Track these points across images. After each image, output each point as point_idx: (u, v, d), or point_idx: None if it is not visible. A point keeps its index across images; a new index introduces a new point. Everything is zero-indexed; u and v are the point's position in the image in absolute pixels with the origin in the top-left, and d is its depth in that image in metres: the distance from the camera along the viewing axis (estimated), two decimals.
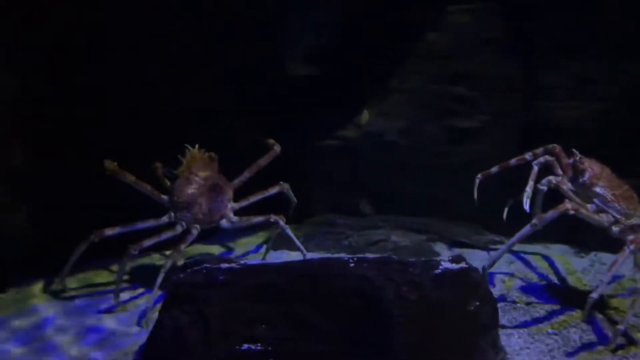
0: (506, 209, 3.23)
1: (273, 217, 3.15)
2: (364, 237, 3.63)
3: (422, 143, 3.74)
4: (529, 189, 2.87)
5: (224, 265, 2.41)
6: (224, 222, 3.18)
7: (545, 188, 2.85)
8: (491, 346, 2.24)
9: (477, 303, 2.21)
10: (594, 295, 2.48)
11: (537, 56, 3.67)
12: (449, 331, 2.12)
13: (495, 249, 3.45)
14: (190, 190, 3.05)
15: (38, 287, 3.05)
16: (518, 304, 2.81)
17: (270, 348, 2.22)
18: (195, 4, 3.40)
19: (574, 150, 2.94)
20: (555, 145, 3.03)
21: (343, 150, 3.83)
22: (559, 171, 2.94)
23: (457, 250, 3.56)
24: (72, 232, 2.91)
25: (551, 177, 2.85)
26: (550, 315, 2.72)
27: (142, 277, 3.15)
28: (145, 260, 3.32)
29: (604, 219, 2.75)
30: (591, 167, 2.87)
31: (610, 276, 2.53)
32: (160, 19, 3.29)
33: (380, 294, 2.10)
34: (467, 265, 2.32)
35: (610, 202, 2.77)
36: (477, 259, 3.26)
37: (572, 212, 2.66)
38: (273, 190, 3.36)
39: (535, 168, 2.92)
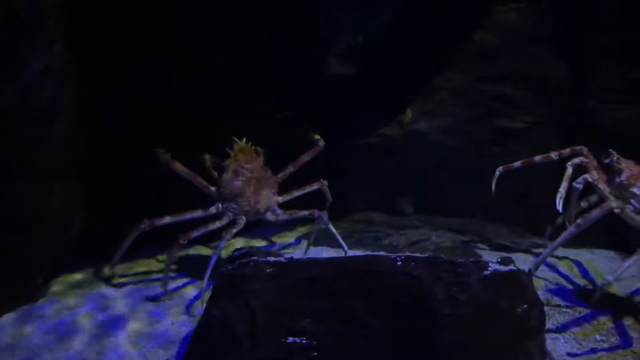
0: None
1: (317, 212, 3.18)
2: (404, 236, 3.63)
3: (465, 143, 3.72)
4: (562, 189, 2.83)
5: (271, 259, 2.45)
6: (268, 215, 3.23)
7: (580, 187, 2.81)
8: (538, 350, 2.22)
9: (525, 306, 2.19)
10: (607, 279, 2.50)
11: (587, 57, 3.61)
12: (497, 333, 2.11)
13: (538, 253, 3.42)
14: (238, 182, 3.11)
15: (89, 273, 3.15)
16: (563, 309, 2.77)
17: (315, 342, 2.25)
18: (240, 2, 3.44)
19: (611, 150, 2.89)
20: (583, 147, 2.99)
21: (385, 149, 3.83)
22: (594, 172, 2.89)
23: (498, 253, 3.52)
24: (123, 221, 2.99)
25: (587, 175, 2.82)
26: (594, 320, 2.67)
27: (188, 267, 3.22)
28: (191, 251, 3.39)
29: None
30: (629, 168, 2.82)
31: (626, 266, 2.51)
32: (212, 17, 3.35)
33: (429, 293, 2.11)
34: (515, 268, 2.30)
35: None
36: (518, 262, 3.20)
37: (617, 210, 2.62)
38: (313, 186, 3.40)
39: (570, 169, 2.88)
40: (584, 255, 3.40)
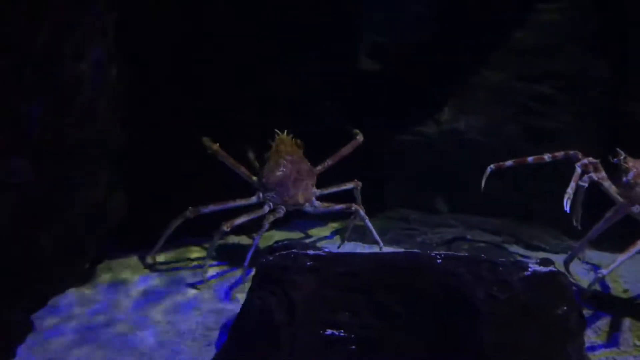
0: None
1: (354, 206, 3.22)
2: (438, 234, 3.63)
3: (503, 142, 3.70)
4: (570, 189, 2.82)
5: (311, 252, 2.48)
6: (307, 206, 3.28)
7: (586, 185, 2.82)
8: (577, 354, 2.22)
9: (565, 308, 2.19)
10: (604, 271, 2.54)
11: (630, 57, 3.55)
12: (537, 334, 2.11)
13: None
14: (279, 172, 3.17)
15: (132, 259, 3.24)
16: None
17: (353, 335, 2.28)
18: None
19: (619, 149, 2.90)
20: (577, 152, 2.98)
21: (421, 146, 3.83)
22: (603, 172, 2.90)
23: (533, 254, 3.49)
24: (164, 208, 3.07)
25: (592, 174, 2.83)
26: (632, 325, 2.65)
27: (226, 256, 3.28)
28: (230, 240, 3.45)
29: None
30: (636, 167, 2.82)
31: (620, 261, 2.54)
32: (256, 12, 3.40)
33: (469, 292, 2.12)
34: (555, 269, 2.30)
35: None
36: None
37: (636, 210, 2.70)
38: (349, 185, 3.44)
39: (578, 169, 2.88)
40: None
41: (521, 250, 3.52)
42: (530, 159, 3.06)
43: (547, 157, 3.03)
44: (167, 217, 3.09)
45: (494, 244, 3.55)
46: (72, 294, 2.85)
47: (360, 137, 3.48)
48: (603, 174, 2.86)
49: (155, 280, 3.05)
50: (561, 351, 2.15)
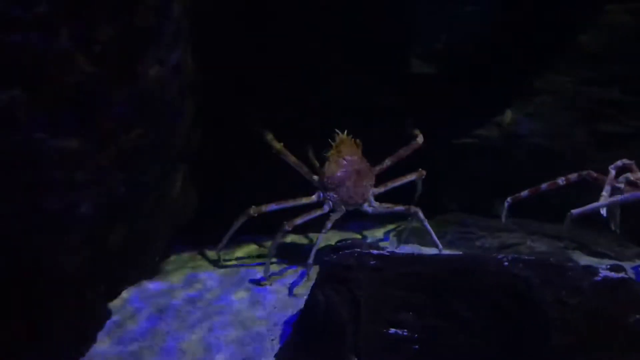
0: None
1: (413, 208, 3.23)
2: (497, 239, 3.58)
3: (567, 147, 3.62)
4: (605, 192, 2.84)
5: (375, 251, 2.52)
6: (365, 206, 3.32)
7: (622, 186, 2.82)
8: None
9: (638, 316, 2.14)
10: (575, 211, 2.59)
11: None
12: (608, 342, 2.07)
13: None
14: (339, 172, 3.22)
15: (197, 255, 3.37)
16: None
17: (416, 335, 2.31)
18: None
19: None
20: (590, 171, 3.02)
21: (481, 149, 3.79)
22: (639, 173, 2.91)
23: (597, 260, 3.41)
24: (229, 207, 3.19)
25: (628, 174, 2.84)
26: None
27: (286, 255, 3.36)
28: (287, 239, 3.53)
29: None
30: None
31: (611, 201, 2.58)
32: (319, 23, 3.49)
33: (537, 296, 2.11)
34: (627, 275, 2.25)
35: None
36: None
37: None
38: (411, 177, 3.46)
39: (612, 172, 2.90)
40: None
41: (585, 257, 3.44)
42: (543, 186, 3.11)
43: (560, 180, 3.08)
44: (232, 215, 3.19)
45: (556, 250, 3.48)
46: (142, 285, 2.99)
47: (420, 139, 3.50)
48: (639, 174, 2.84)
49: (219, 276, 3.15)
50: None
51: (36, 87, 2.02)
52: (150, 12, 2.25)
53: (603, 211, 2.82)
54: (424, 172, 3.47)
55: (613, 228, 3.08)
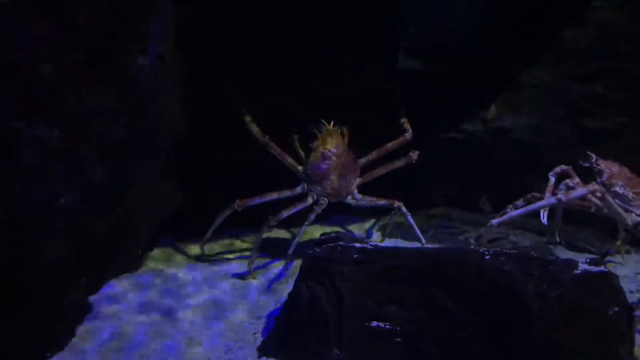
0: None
1: (397, 203, 3.23)
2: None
3: (551, 142, 3.65)
4: (545, 200, 2.91)
5: (358, 245, 2.52)
6: (349, 198, 3.30)
7: (562, 196, 2.85)
8: (629, 356, 2.19)
9: (616, 309, 2.17)
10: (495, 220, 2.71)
11: None
12: (588, 333, 2.10)
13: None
14: (324, 165, 3.19)
15: (182, 248, 3.35)
16: None
17: (399, 328, 2.32)
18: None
19: (589, 152, 2.99)
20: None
21: (466, 144, 3.81)
22: (577, 179, 3.02)
23: (577, 255, 3.45)
24: (215, 200, 3.16)
25: (567, 180, 2.94)
26: None
27: (268, 249, 3.34)
28: (273, 234, 3.52)
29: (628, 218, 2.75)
30: (608, 168, 2.90)
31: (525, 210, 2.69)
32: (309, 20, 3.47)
33: (519, 288, 2.12)
34: (606, 269, 2.27)
35: (633, 201, 2.80)
36: None
37: (599, 194, 2.74)
38: (400, 163, 3.44)
39: (552, 179, 3.00)
40: None
41: (566, 251, 3.48)
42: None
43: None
44: (218, 208, 3.17)
45: (538, 244, 3.51)
46: (125, 279, 2.96)
47: (409, 135, 3.48)
48: (577, 179, 2.95)
49: (203, 270, 3.14)
50: (613, 352, 2.13)
51: (14, 76, 1.98)
52: (133, 1, 2.22)
53: (543, 219, 2.95)
54: (415, 156, 3.42)
55: (555, 236, 3.23)
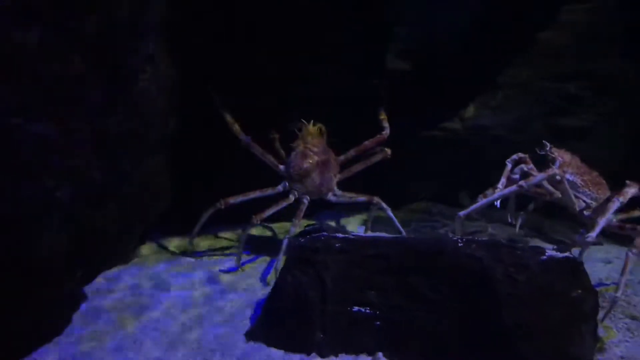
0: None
1: (375, 199, 3.35)
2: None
3: (528, 139, 3.79)
4: (500, 185, 3.02)
5: (340, 235, 2.66)
6: (329, 195, 3.41)
7: (517, 176, 3.02)
8: (591, 334, 2.34)
9: (580, 291, 2.32)
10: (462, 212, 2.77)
11: None
12: (553, 314, 2.24)
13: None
14: (305, 164, 3.30)
15: (173, 243, 3.47)
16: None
17: (378, 312, 2.45)
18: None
19: (545, 142, 3.10)
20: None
21: (447, 141, 3.96)
22: (531, 165, 3.11)
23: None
24: (203, 195, 3.28)
25: (522, 165, 3.05)
26: None
27: (254, 245, 3.48)
28: (255, 232, 3.64)
29: (576, 204, 2.92)
30: (561, 156, 3.02)
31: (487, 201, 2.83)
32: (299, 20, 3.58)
33: (489, 273, 2.27)
34: (571, 255, 2.43)
35: (581, 188, 2.94)
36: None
37: (558, 177, 2.86)
38: (377, 157, 3.54)
39: (509, 165, 3.09)
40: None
41: (542, 243, 3.63)
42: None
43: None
44: (207, 203, 3.27)
45: (516, 237, 3.66)
46: (118, 270, 3.08)
47: (386, 133, 3.56)
48: (531, 165, 3.06)
49: (192, 263, 3.26)
50: (576, 331, 2.28)
51: (13, 75, 2.09)
52: (127, 3, 2.33)
53: (497, 202, 2.98)
54: (389, 152, 3.54)
55: (510, 220, 3.30)
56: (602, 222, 2.69)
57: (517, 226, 3.37)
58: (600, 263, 3.31)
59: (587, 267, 2.48)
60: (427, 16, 3.92)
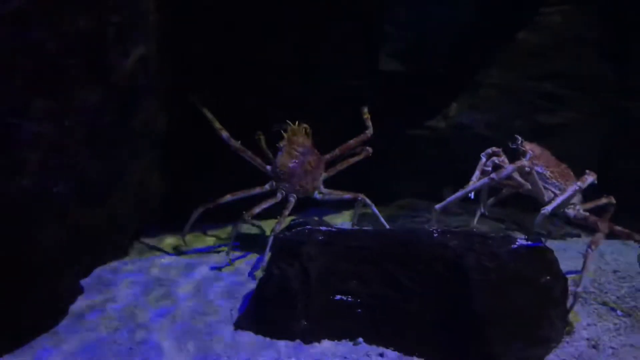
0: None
1: (360, 196, 3.48)
2: (442, 222, 3.87)
3: (508, 136, 3.92)
4: (474, 177, 3.13)
5: (324, 228, 2.79)
6: (316, 193, 3.52)
7: (490, 169, 3.12)
8: (560, 319, 2.47)
9: (549, 277, 2.45)
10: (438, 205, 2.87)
11: (633, 58, 3.78)
12: (523, 300, 2.37)
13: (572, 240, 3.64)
14: (291, 164, 3.41)
15: (165, 240, 3.60)
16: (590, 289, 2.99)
17: (359, 300, 2.58)
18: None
19: (516, 135, 3.21)
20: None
21: (431, 140, 4.10)
22: (503, 157, 3.21)
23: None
24: (195, 192, 3.41)
25: (494, 158, 3.16)
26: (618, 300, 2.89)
27: (243, 241, 3.59)
28: (244, 229, 3.75)
29: (545, 194, 3.04)
30: (532, 149, 3.14)
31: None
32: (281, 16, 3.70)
33: (461, 261, 2.40)
34: (542, 244, 2.56)
35: (549, 179, 3.06)
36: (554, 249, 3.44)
37: (527, 169, 2.98)
38: (360, 157, 3.65)
39: (483, 159, 3.19)
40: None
41: (523, 237, 3.74)
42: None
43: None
44: (198, 201, 3.39)
45: (497, 231, 3.79)
46: (114, 265, 3.20)
47: (369, 132, 3.66)
48: (503, 157, 3.18)
49: (184, 260, 3.39)
50: (545, 315, 2.41)
51: (12, 75, 2.22)
52: (118, 5, 2.46)
53: (471, 193, 3.08)
54: (371, 150, 3.64)
55: (482, 210, 3.41)
56: (559, 199, 2.86)
57: (482, 211, 3.42)
58: (578, 254, 3.43)
59: (565, 257, 2.62)
60: (416, 17, 4.04)
